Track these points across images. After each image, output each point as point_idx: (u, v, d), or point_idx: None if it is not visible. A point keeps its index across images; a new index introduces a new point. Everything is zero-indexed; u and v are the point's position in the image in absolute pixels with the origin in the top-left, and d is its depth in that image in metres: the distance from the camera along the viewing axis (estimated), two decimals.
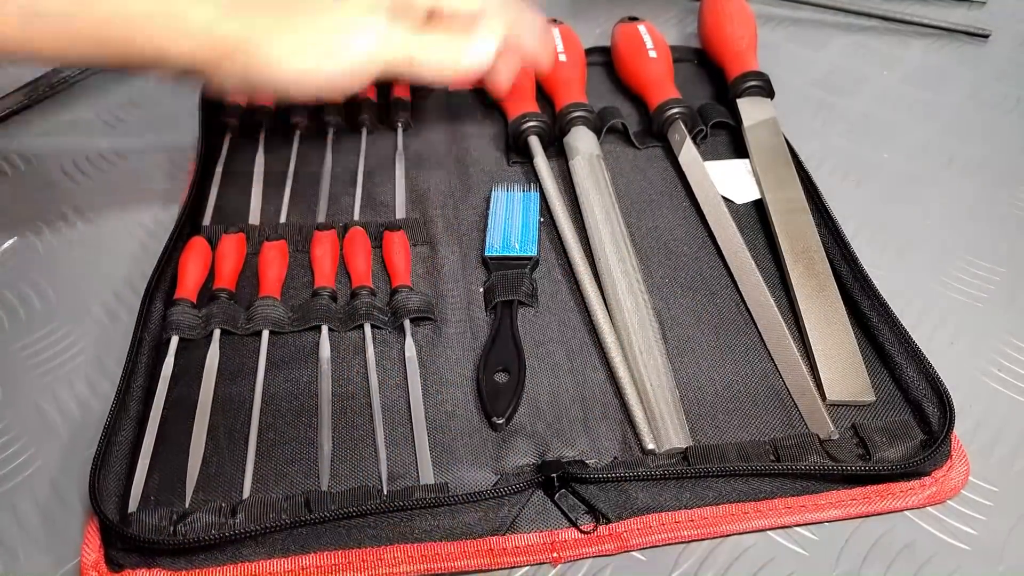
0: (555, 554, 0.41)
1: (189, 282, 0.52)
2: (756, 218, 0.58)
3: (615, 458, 0.44)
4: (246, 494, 0.42)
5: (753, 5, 0.72)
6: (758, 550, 0.42)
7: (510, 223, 0.56)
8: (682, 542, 0.42)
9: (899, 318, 0.48)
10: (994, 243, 0.57)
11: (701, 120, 0.64)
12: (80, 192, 0.63)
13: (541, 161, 0.60)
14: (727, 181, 0.60)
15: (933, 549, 0.41)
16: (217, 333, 0.49)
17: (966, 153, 0.65)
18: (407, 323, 0.50)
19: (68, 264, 0.57)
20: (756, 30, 0.70)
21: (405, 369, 0.48)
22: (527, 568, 0.41)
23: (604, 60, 0.73)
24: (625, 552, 0.41)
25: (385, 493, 0.42)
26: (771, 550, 0.42)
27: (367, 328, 0.50)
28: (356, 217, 0.58)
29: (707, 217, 0.57)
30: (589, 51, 0.72)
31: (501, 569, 0.41)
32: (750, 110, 0.63)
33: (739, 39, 0.68)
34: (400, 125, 0.66)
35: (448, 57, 0.51)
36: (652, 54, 0.68)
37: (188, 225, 0.57)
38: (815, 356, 0.48)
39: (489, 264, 0.54)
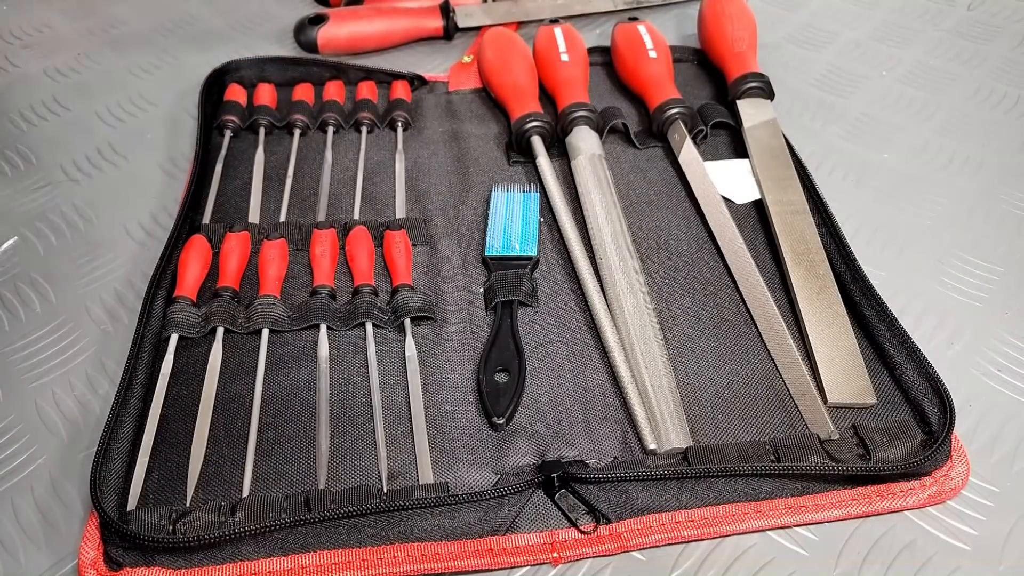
0: (555, 554, 0.41)
1: (189, 280, 0.52)
2: (756, 218, 0.58)
3: (615, 458, 0.44)
4: (245, 493, 0.42)
5: (753, 5, 0.72)
6: (758, 550, 0.42)
7: (510, 223, 0.56)
8: (682, 542, 0.42)
9: (899, 318, 0.48)
10: (993, 243, 0.57)
11: (701, 120, 0.64)
12: (80, 192, 0.63)
13: (544, 161, 0.60)
14: (727, 181, 0.60)
15: (933, 549, 0.41)
16: (220, 331, 0.49)
17: (965, 153, 0.65)
18: (407, 322, 0.50)
19: (68, 264, 0.57)
20: (756, 31, 0.70)
21: (405, 368, 0.48)
22: (527, 568, 0.41)
23: (604, 60, 0.73)
24: (625, 552, 0.41)
25: (385, 492, 0.42)
26: (771, 550, 0.42)
27: (368, 327, 0.50)
28: (356, 216, 0.58)
29: (707, 217, 0.57)
30: (589, 51, 0.72)
31: (501, 569, 0.41)
32: (750, 112, 0.63)
33: (739, 40, 0.68)
34: (400, 125, 0.66)
35: None
36: (652, 54, 0.68)
37: (188, 224, 0.57)
38: (816, 358, 0.48)
39: (489, 264, 0.54)
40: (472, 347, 0.50)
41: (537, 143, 0.62)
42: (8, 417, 0.48)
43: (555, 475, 0.42)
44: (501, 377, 0.47)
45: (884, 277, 0.55)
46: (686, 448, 0.43)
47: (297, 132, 0.65)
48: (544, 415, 0.46)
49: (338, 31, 0.76)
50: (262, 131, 0.65)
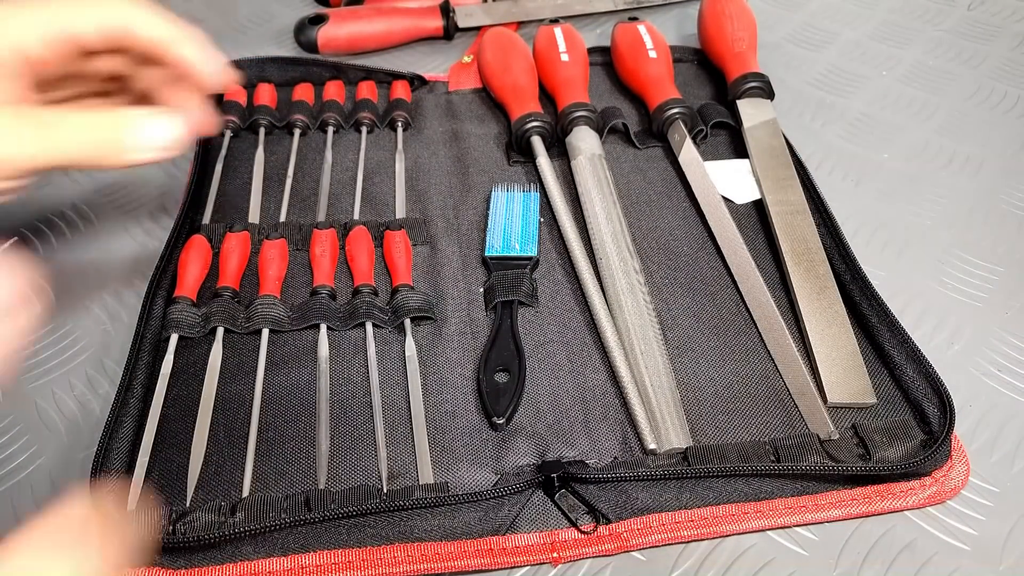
0: (555, 554, 0.41)
1: (189, 280, 0.52)
2: (756, 218, 0.58)
3: (615, 458, 0.44)
4: (245, 493, 0.42)
5: (753, 5, 0.72)
6: (758, 550, 0.42)
7: (510, 223, 0.56)
8: (682, 542, 0.42)
9: (899, 318, 0.48)
10: (993, 243, 0.57)
11: (701, 120, 0.64)
12: (80, 192, 0.63)
13: (544, 161, 0.60)
14: (727, 181, 0.60)
15: (933, 549, 0.41)
16: (220, 331, 0.49)
17: (965, 153, 0.65)
18: (407, 322, 0.50)
19: (68, 264, 0.57)
20: (756, 30, 0.70)
21: (405, 368, 0.48)
22: (527, 568, 0.41)
23: (604, 60, 0.73)
24: (625, 552, 0.41)
25: (385, 492, 0.42)
26: (771, 550, 0.42)
27: (368, 327, 0.50)
28: (356, 216, 0.58)
29: (707, 217, 0.57)
30: (589, 51, 0.72)
31: (501, 569, 0.41)
32: (750, 111, 0.63)
33: (739, 40, 0.68)
34: (400, 125, 0.66)
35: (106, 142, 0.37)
36: (652, 54, 0.67)
37: (188, 224, 0.57)
38: (816, 358, 0.48)
39: (489, 264, 0.54)
40: (472, 347, 0.50)
41: (537, 143, 0.62)
42: (8, 417, 0.48)
43: (555, 475, 0.42)
44: (501, 377, 0.47)
45: (884, 277, 0.55)
46: (686, 448, 0.43)
47: (297, 132, 0.65)
48: (544, 415, 0.46)
49: (338, 31, 0.76)
50: (262, 131, 0.65)
